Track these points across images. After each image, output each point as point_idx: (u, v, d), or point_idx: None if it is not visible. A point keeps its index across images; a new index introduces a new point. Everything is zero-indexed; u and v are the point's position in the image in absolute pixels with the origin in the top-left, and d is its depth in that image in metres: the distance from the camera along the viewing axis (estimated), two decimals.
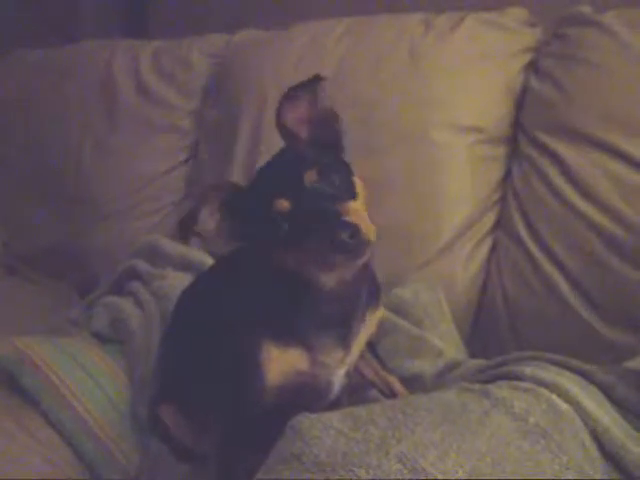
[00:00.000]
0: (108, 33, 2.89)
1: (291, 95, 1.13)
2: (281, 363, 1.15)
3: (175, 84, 2.33)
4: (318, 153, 1.11)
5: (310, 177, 1.05)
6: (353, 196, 1.07)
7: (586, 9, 1.71)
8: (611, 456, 1.01)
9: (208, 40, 2.37)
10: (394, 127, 1.79)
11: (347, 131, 1.17)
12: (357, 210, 1.05)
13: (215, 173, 2.12)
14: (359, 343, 1.24)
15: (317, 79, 1.12)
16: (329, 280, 1.13)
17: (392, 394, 1.36)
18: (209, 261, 1.80)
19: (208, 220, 1.12)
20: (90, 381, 1.49)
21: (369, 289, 1.24)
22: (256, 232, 1.10)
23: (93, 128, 2.39)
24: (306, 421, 0.94)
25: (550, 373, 1.11)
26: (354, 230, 0.99)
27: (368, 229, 1.02)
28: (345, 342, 1.20)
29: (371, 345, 1.36)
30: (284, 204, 1.04)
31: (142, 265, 1.85)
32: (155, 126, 2.32)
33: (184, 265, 1.82)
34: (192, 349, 1.35)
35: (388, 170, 1.76)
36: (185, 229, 1.13)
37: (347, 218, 1.00)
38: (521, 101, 1.78)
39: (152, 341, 1.58)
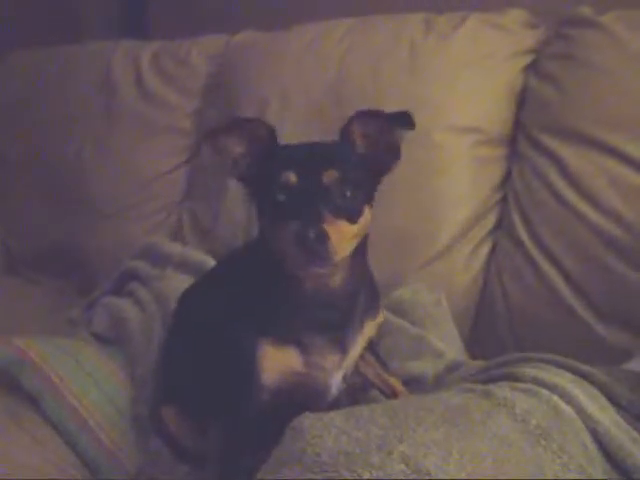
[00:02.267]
0: (108, 34, 2.89)
1: (374, 114, 1.13)
2: (277, 362, 1.16)
3: (175, 85, 2.33)
4: (355, 167, 1.12)
5: (331, 176, 1.06)
6: (352, 219, 1.07)
7: (586, 10, 1.71)
8: (612, 458, 1.00)
9: (208, 41, 2.37)
10: None
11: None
12: (344, 231, 1.05)
13: (215, 173, 2.11)
14: (356, 348, 1.25)
15: (409, 121, 1.11)
16: (306, 279, 1.13)
17: (393, 395, 1.36)
18: (209, 262, 1.80)
19: (233, 145, 1.15)
20: (90, 381, 1.48)
21: (367, 296, 1.24)
22: (259, 187, 1.12)
23: (93, 128, 2.39)
24: (308, 420, 0.94)
25: (551, 374, 1.10)
26: (321, 237, 1.00)
27: (339, 249, 1.02)
28: (341, 346, 1.20)
29: (372, 346, 1.37)
30: (292, 179, 1.06)
31: (142, 266, 1.85)
32: (155, 127, 2.32)
33: (184, 266, 1.82)
34: (192, 350, 1.36)
35: None
36: (211, 138, 1.15)
37: (326, 226, 1.01)
38: (521, 102, 1.78)
39: (152, 342, 1.58)
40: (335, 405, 1.25)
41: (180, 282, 1.68)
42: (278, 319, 1.17)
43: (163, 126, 2.31)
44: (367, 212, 1.11)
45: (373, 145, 1.15)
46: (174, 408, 1.40)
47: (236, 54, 2.24)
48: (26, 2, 3.14)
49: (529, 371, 1.12)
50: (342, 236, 1.04)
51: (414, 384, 1.42)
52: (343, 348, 1.20)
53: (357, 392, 1.44)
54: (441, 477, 0.82)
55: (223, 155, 1.16)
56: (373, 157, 1.15)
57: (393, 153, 1.15)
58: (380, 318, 1.31)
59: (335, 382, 1.23)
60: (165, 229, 2.23)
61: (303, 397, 1.20)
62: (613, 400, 1.10)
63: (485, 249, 1.77)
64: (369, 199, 1.13)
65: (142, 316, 1.68)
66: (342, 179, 1.07)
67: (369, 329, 1.27)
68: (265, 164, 1.12)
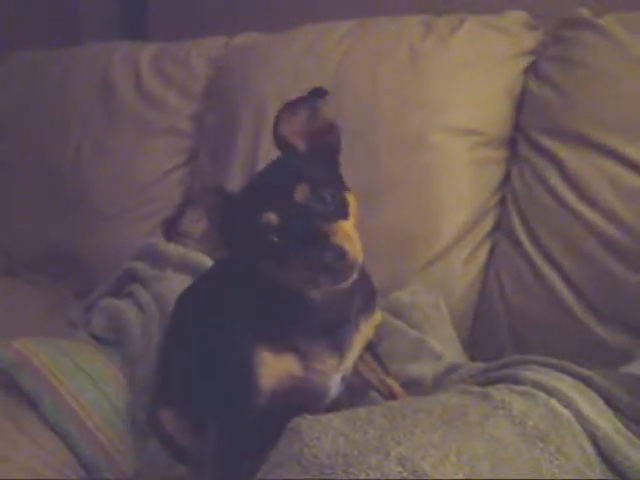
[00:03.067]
0: (108, 36, 2.89)
1: (291, 108, 1.12)
2: (275, 368, 1.15)
3: (174, 87, 2.33)
4: (313, 167, 1.10)
5: (302, 192, 1.04)
6: (344, 215, 1.06)
7: (585, 12, 1.71)
8: (609, 461, 1.00)
9: (207, 43, 2.37)
10: (393, 130, 1.79)
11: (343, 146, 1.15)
12: (346, 230, 1.04)
13: (214, 176, 2.12)
14: (354, 350, 1.24)
15: (319, 92, 1.10)
16: (316, 294, 1.13)
17: (391, 396, 1.36)
18: (208, 263, 1.80)
19: (194, 223, 1.11)
20: (89, 383, 1.49)
21: (364, 296, 1.24)
22: (244, 242, 1.09)
23: (92, 130, 2.40)
24: (306, 422, 0.94)
25: (549, 377, 1.10)
26: (340, 253, 0.98)
27: (355, 250, 1.01)
28: (338, 349, 1.20)
29: (371, 347, 1.37)
30: (272, 218, 1.03)
31: (141, 267, 1.85)
32: (154, 129, 2.32)
33: (183, 267, 1.82)
34: (190, 352, 1.36)
35: (387, 172, 1.76)
36: (167, 229, 1.11)
37: (334, 240, 1.00)
38: (520, 104, 1.79)
39: (151, 343, 1.58)
40: (334, 407, 1.24)
41: (179, 283, 1.68)
42: (276, 324, 1.16)
43: (162, 128, 2.31)
44: (350, 199, 1.10)
45: (311, 136, 1.13)
46: (172, 410, 1.40)
47: (236, 56, 2.25)
48: (26, 4, 3.14)
49: (527, 374, 1.12)
50: (349, 236, 1.03)
51: (413, 386, 1.42)
52: (340, 350, 1.20)
53: (356, 394, 1.44)
54: (438, 478, 0.82)
55: (191, 239, 1.13)
56: (319, 146, 1.13)
57: (331, 130, 1.13)
58: (377, 319, 1.31)
59: (334, 384, 1.23)
60: None
61: (301, 400, 1.20)
62: (611, 403, 1.10)
63: (484, 251, 1.77)
64: (343, 186, 1.12)
65: (141, 317, 1.68)
66: (312, 187, 1.05)
67: (366, 330, 1.26)
68: (237, 221, 1.09)
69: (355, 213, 1.09)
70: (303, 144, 1.13)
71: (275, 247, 1.04)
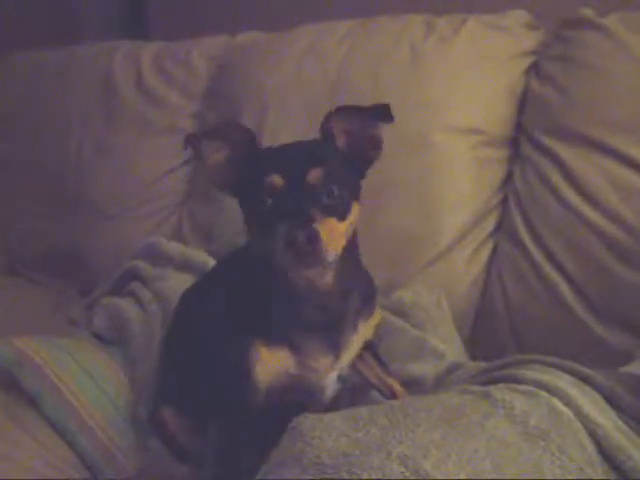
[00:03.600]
0: (109, 35, 2.89)
1: (354, 110, 1.14)
2: (270, 364, 1.16)
3: (176, 86, 2.33)
4: (339, 163, 1.12)
5: (315, 175, 1.06)
6: (341, 217, 1.07)
7: (588, 12, 1.71)
8: (611, 460, 1.00)
9: (209, 42, 2.37)
10: (395, 129, 1.78)
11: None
12: (333, 229, 1.05)
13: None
14: (350, 349, 1.24)
15: (386, 115, 1.11)
16: (298, 280, 1.14)
17: (393, 396, 1.36)
18: (210, 262, 1.80)
19: (214, 150, 1.15)
20: (90, 381, 1.49)
21: (362, 297, 1.24)
22: (244, 192, 1.12)
23: (94, 129, 2.39)
24: (307, 421, 0.94)
25: (550, 377, 1.10)
26: (313, 237, 1.00)
27: (331, 244, 1.02)
28: (334, 348, 1.20)
29: (372, 347, 1.37)
30: (277, 182, 1.06)
31: (143, 266, 1.85)
32: (156, 128, 2.32)
33: (185, 266, 1.83)
34: (191, 351, 1.36)
35: (389, 172, 1.76)
36: (189, 141, 1.14)
37: (315, 226, 1.01)
38: (523, 103, 1.79)
39: (153, 342, 1.58)
40: (335, 406, 1.25)
41: (181, 282, 1.69)
42: (271, 320, 1.17)
43: (164, 127, 2.31)
44: (355, 208, 1.11)
45: (354, 140, 1.15)
46: (173, 408, 1.40)
47: (237, 55, 2.24)
48: (26, 3, 3.14)
49: (528, 373, 1.12)
50: (333, 234, 1.04)
51: (414, 385, 1.42)
52: (336, 350, 1.20)
53: (357, 393, 1.44)
54: (439, 478, 0.83)
55: (203, 161, 1.16)
56: (355, 152, 1.15)
57: (374, 147, 1.15)
58: (376, 319, 1.31)
59: (329, 383, 1.23)
60: (165, 229, 2.22)
61: (298, 398, 1.21)
62: (613, 403, 1.10)
63: (486, 251, 1.77)
64: (356, 195, 1.13)
65: (143, 316, 1.68)
66: (327, 177, 1.07)
67: (364, 330, 1.27)
68: (248, 169, 1.12)
69: (352, 223, 1.11)
70: (344, 142, 1.15)
71: (265, 209, 1.06)
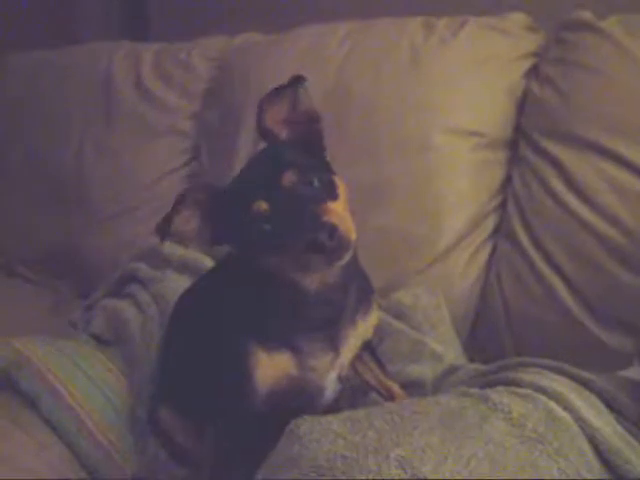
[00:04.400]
0: (109, 35, 2.89)
1: (271, 96, 1.13)
2: (270, 368, 1.16)
3: (176, 87, 2.33)
4: (298, 154, 1.11)
5: (288, 178, 1.05)
6: (333, 197, 1.07)
7: (587, 15, 1.71)
8: (609, 464, 1.01)
9: (209, 43, 2.37)
10: (395, 131, 1.79)
11: (324, 131, 1.17)
12: (337, 210, 1.05)
13: (216, 176, 2.11)
14: (349, 347, 1.24)
15: (298, 80, 1.12)
16: (312, 282, 1.13)
17: (391, 398, 1.36)
18: (209, 264, 1.80)
19: (186, 223, 1.13)
20: (89, 383, 1.49)
21: (360, 292, 1.24)
22: (237, 234, 1.10)
23: (93, 130, 2.39)
24: (305, 424, 0.94)
25: (549, 380, 1.11)
26: (332, 230, 0.99)
27: (348, 228, 1.02)
28: (333, 345, 1.20)
29: (371, 349, 1.37)
30: (262, 206, 1.04)
31: (142, 267, 1.85)
32: (156, 129, 2.32)
33: (184, 268, 1.82)
34: (189, 353, 1.36)
35: (388, 174, 1.76)
36: (161, 232, 1.12)
37: (325, 219, 1.01)
38: (522, 106, 1.78)
39: (151, 344, 1.58)
40: (333, 408, 1.25)
41: (179, 284, 1.68)
42: (270, 323, 1.17)
43: (163, 128, 2.31)
44: (338, 181, 1.11)
45: (293, 123, 1.14)
46: (172, 411, 1.41)
47: (236, 56, 2.24)
48: (26, 3, 3.14)
49: (527, 377, 1.12)
50: (339, 215, 1.04)
51: (413, 387, 1.42)
52: (335, 346, 1.20)
53: (355, 395, 1.44)
54: None
55: (185, 238, 1.15)
56: (301, 132, 1.14)
57: (312, 117, 1.15)
58: (374, 319, 1.31)
59: (329, 384, 1.23)
60: None
61: (297, 400, 1.20)
62: (611, 407, 1.11)
63: (485, 253, 1.77)
64: (330, 170, 1.13)
65: (141, 318, 1.68)
66: (300, 172, 1.06)
67: (363, 328, 1.26)
68: (228, 215, 1.10)
69: (345, 195, 1.10)
70: (286, 132, 1.15)
71: (268, 235, 1.05)
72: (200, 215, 1.14)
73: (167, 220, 1.12)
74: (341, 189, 1.10)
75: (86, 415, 1.44)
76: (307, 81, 1.12)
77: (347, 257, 1.04)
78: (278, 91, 1.13)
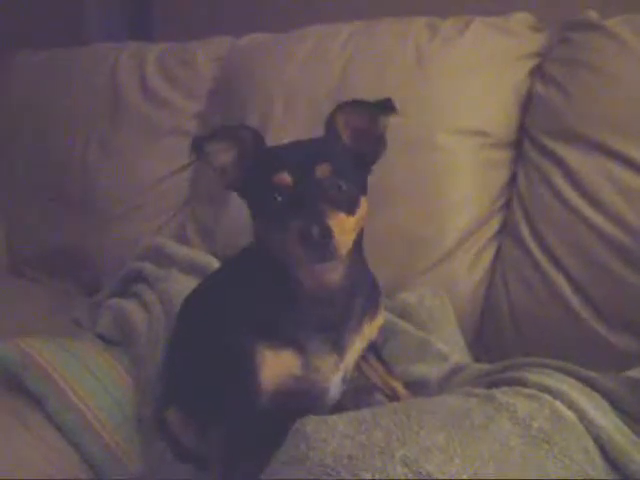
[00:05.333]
0: (114, 36, 2.89)
1: (359, 103, 1.15)
2: (275, 367, 1.16)
3: (180, 87, 2.33)
4: (345, 159, 1.13)
5: (323, 170, 1.07)
6: (350, 211, 1.08)
7: (592, 14, 1.71)
8: (614, 463, 1.01)
9: (213, 43, 2.37)
10: (399, 131, 1.78)
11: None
12: (344, 224, 1.06)
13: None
14: (354, 349, 1.24)
15: (389, 107, 1.12)
16: (305, 277, 1.14)
17: (396, 398, 1.36)
18: (214, 263, 1.81)
19: (221, 151, 1.16)
20: (95, 383, 1.49)
21: (367, 297, 1.24)
22: (253, 191, 1.13)
23: (98, 130, 2.40)
24: (311, 424, 0.94)
25: (554, 380, 1.11)
26: (326, 233, 1.00)
27: (342, 242, 1.03)
28: (338, 347, 1.20)
29: (376, 349, 1.37)
30: (287, 179, 1.06)
31: (147, 267, 1.86)
32: (160, 128, 2.32)
33: (189, 267, 1.83)
34: (195, 353, 1.36)
35: (393, 174, 1.76)
36: (196, 145, 1.15)
37: (327, 222, 1.02)
38: (526, 106, 1.78)
39: (157, 344, 1.59)
40: (339, 408, 1.25)
41: (185, 283, 1.69)
42: (276, 323, 1.17)
43: (168, 128, 2.31)
44: (363, 203, 1.12)
45: (359, 135, 1.16)
46: (178, 411, 1.41)
47: (241, 57, 2.25)
48: (32, 4, 3.15)
49: (532, 376, 1.12)
50: (343, 229, 1.04)
51: (418, 387, 1.42)
52: (340, 348, 1.20)
53: (361, 395, 1.44)
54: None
55: (210, 164, 1.17)
56: (360, 148, 1.16)
57: (379, 141, 1.16)
58: (380, 320, 1.31)
59: (334, 384, 1.23)
60: (169, 230, 2.23)
61: (302, 400, 1.21)
62: (617, 406, 1.10)
63: (490, 252, 1.77)
64: (363, 189, 1.14)
65: (147, 318, 1.69)
66: (335, 172, 1.08)
67: (368, 330, 1.27)
68: (256, 169, 1.13)
69: (362, 218, 1.12)
70: (348, 137, 1.17)
71: (275, 207, 1.07)
72: (236, 153, 1.16)
73: (208, 137, 1.15)
74: (361, 211, 1.11)
75: (92, 415, 1.44)
76: (396, 111, 1.12)
77: (328, 266, 1.08)
78: (365, 103, 1.14)
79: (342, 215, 1.06)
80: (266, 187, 1.08)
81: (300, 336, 1.17)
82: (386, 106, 1.12)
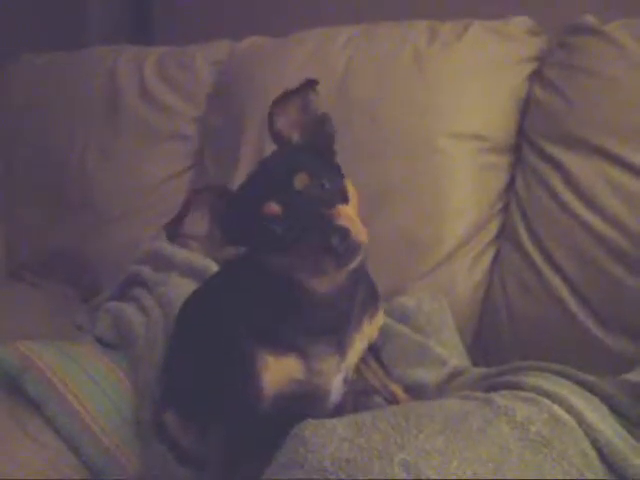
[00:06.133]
0: (113, 39, 2.89)
1: (282, 99, 1.14)
2: (277, 372, 1.16)
3: (179, 90, 2.34)
4: (309, 157, 1.12)
5: (301, 180, 1.06)
6: (344, 200, 1.08)
7: (590, 19, 1.71)
8: (612, 467, 1.01)
9: (212, 47, 2.38)
10: (398, 135, 1.79)
11: (337, 134, 1.17)
12: (348, 214, 1.05)
13: (219, 179, 2.12)
14: (355, 350, 1.24)
15: (309, 83, 1.13)
16: (321, 285, 1.13)
17: (395, 401, 1.36)
18: (213, 267, 1.80)
19: (197, 224, 1.13)
20: (94, 386, 1.49)
21: (366, 296, 1.24)
22: (249, 236, 1.10)
23: (97, 134, 2.40)
24: (310, 427, 0.94)
25: (552, 384, 1.11)
26: (344, 234, 0.99)
27: (359, 232, 1.02)
28: (340, 348, 1.20)
29: (376, 352, 1.37)
30: (275, 208, 1.04)
31: (146, 271, 1.85)
32: (159, 132, 2.32)
33: (188, 271, 1.82)
34: (194, 356, 1.36)
35: (392, 177, 1.77)
36: (171, 231, 1.12)
37: (337, 222, 1.01)
38: (525, 110, 1.79)
39: (156, 347, 1.58)
40: (338, 411, 1.25)
41: (184, 287, 1.68)
42: (277, 326, 1.17)
43: (167, 132, 2.31)
44: (349, 185, 1.11)
45: (303, 126, 1.15)
46: (177, 414, 1.40)
47: (240, 60, 2.25)
48: (31, 7, 3.15)
49: (530, 380, 1.12)
50: (350, 218, 1.04)
51: (416, 391, 1.42)
52: (341, 349, 1.20)
53: (360, 398, 1.44)
54: None
55: (195, 240, 1.15)
56: (313, 136, 1.15)
57: (323, 120, 1.15)
58: (380, 320, 1.31)
59: (335, 386, 1.22)
60: None
61: (303, 403, 1.20)
62: (615, 410, 1.10)
63: (488, 256, 1.77)
64: (341, 173, 1.13)
65: (146, 321, 1.68)
66: (311, 175, 1.06)
67: (369, 330, 1.26)
68: (240, 216, 1.10)
69: (355, 198, 1.11)
70: (298, 135, 1.15)
71: (279, 238, 1.04)
72: (210, 217, 1.14)
73: (177, 221, 1.11)
74: (351, 193, 1.10)
75: (91, 418, 1.44)
76: (318, 84, 1.12)
77: (357, 261, 1.04)
78: (289, 94, 1.13)
79: (341, 208, 1.05)
80: (260, 226, 1.05)
81: (301, 340, 1.17)
82: (306, 84, 1.12)
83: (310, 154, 1.12)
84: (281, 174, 1.08)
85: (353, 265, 1.04)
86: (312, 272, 1.06)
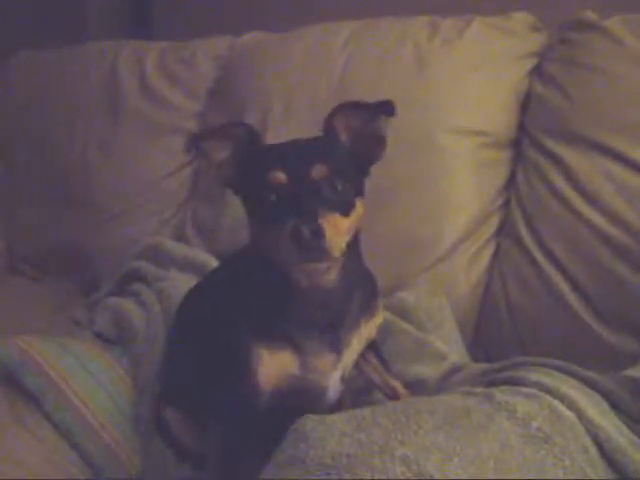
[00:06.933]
0: (114, 35, 2.89)
1: (356, 104, 1.15)
2: (273, 366, 1.16)
3: (180, 86, 2.33)
4: (342, 158, 1.13)
5: (319, 171, 1.06)
6: (344, 212, 1.07)
7: (591, 14, 1.71)
8: (613, 463, 1.01)
9: (213, 42, 2.37)
10: (399, 130, 1.77)
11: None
12: (338, 225, 1.05)
13: None
14: (352, 349, 1.24)
15: (389, 109, 1.12)
16: (302, 278, 1.13)
17: (395, 397, 1.36)
18: (212, 262, 1.81)
19: (217, 149, 1.16)
20: (93, 381, 1.49)
21: (364, 298, 1.24)
22: (247, 188, 1.13)
23: (98, 129, 2.40)
24: (310, 423, 0.94)
25: (553, 380, 1.11)
26: (318, 233, 1.00)
27: (335, 244, 1.02)
28: (336, 347, 1.20)
29: (376, 348, 1.37)
30: (281, 178, 1.06)
31: (146, 266, 1.86)
32: (160, 128, 2.32)
33: (188, 266, 1.83)
34: (193, 352, 1.36)
35: (392, 173, 1.76)
36: (192, 141, 1.16)
37: (320, 221, 1.01)
38: (526, 105, 1.79)
39: (155, 343, 1.58)
40: (338, 407, 1.25)
41: (183, 283, 1.69)
42: (273, 321, 1.17)
43: (167, 127, 2.31)
44: (359, 205, 1.11)
45: (358, 137, 1.15)
46: (176, 409, 1.41)
47: (241, 56, 2.25)
48: (31, 3, 3.15)
49: (531, 376, 1.12)
50: (337, 230, 1.04)
51: (416, 387, 1.42)
52: (337, 348, 1.20)
53: (360, 394, 1.44)
54: (442, 479, 0.83)
55: (206, 160, 1.17)
56: (359, 148, 1.15)
57: (378, 143, 1.15)
58: (379, 319, 1.31)
59: (332, 384, 1.22)
60: (169, 229, 2.23)
61: (301, 399, 1.20)
62: (616, 406, 1.10)
63: (488, 252, 1.77)
64: (359, 191, 1.14)
65: (146, 317, 1.68)
66: (331, 173, 1.07)
67: (366, 330, 1.26)
68: (251, 166, 1.12)
69: (357, 220, 1.11)
70: (346, 138, 1.16)
71: (269, 205, 1.06)
72: (232, 152, 1.16)
73: (203, 136, 1.15)
74: (356, 213, 1.10)
75: (91, 414, 1.44)
76: (395, 115, 1.12)
77: (321, 266, 1.07)
78: (364, 105, 1.14)
79: (336, 216, 1.05)
80: (261, 185, 1.07)
81: (297, 336, 1.17)
82: (386, 108, 1.12)
83: (345, 157, 1.14)
84: (307, 155, 1.09)
85: (314, 266, 1.07)
86: (280, 255, 1.05)
